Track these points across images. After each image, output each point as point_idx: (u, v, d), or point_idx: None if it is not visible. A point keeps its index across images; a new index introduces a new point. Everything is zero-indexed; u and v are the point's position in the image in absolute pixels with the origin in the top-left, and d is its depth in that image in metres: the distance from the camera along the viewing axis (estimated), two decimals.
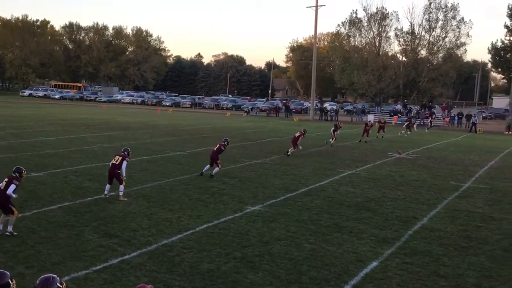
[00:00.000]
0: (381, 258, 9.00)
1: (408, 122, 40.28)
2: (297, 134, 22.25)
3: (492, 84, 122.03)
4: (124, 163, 12.47)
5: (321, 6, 55.94)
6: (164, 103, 75.48)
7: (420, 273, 8.37)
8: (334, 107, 61.61)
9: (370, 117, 53.71)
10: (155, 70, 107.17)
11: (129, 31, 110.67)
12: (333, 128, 27.23)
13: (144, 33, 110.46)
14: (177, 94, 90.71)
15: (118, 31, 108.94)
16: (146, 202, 12.36)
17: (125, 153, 12.94)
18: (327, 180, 16.39)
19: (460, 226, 11.39)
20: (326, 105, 67.63)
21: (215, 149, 16.15)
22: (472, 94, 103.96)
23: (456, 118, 52.65)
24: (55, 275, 4.26)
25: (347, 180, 16.74)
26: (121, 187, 12.51)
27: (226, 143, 16.53)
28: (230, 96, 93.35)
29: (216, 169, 15.90)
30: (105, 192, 12.65)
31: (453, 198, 14.45)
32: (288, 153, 21.81)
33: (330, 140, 26.92)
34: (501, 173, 19.74)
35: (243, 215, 11.55)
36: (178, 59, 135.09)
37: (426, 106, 56.25)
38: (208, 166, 16.13)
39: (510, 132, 44.98)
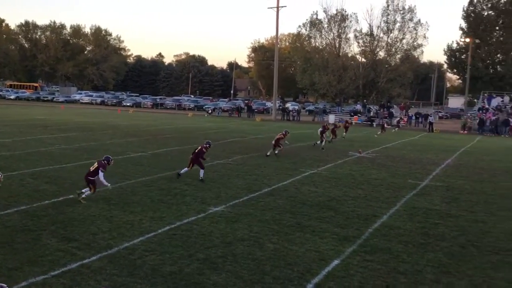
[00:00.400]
0: (343, 256, 9.12)
1: (383, 123, 41.09)
2: (278, 136, 22.43)
3: (448, 85, 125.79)
4: (101, 174, 12.18)
5: (282, 7, 56.42)
6: (124, 104, 74.42)
7: (381, 270, 8.53)
8: (296, 107, 62.20)
9: (331, 117, 54.50)
10: (114, 69, 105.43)
11: (87, 30, 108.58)
12: (320, 129, 26.68)
13: (103, 32, 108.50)
14: (138, 94, 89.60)
15: (76, 30, 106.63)
16: (106, 205, 12.13)
17: (105, 161, 12.63)
18: (289, 180, 16.50)
19: (418, 223, 11.68)
20: (288, 105, 68.20)
21: (196, 151, 15.91)
22: (429, 94, 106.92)
23: (413, 117, 54.04)
24: (4, 285, 4.12)
25: (309, 179, 16.90)
26: (88, 192, 12.31)
27: (208, 145, 16.14)
28: (192, 96, 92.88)
29: (186, 169, 15.67)
30: (77, 191, 12.42)
31: (412, 196, 14.80)
32: (268, 154, 22.05)
33: (318, 142, 26.26)
34: (457, 171, 20.35)
35: (206, 216, 11.49)
36: (139, 59, 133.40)
37: (385, 106, 57.48)
38: (186, 168, 15.76)
39: (465, 131, 46.47)
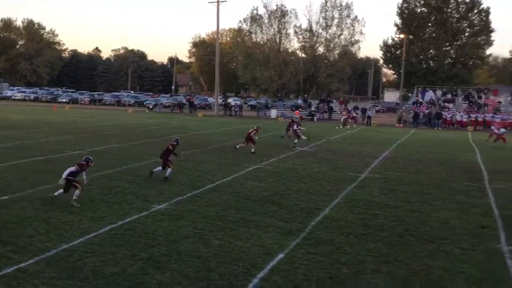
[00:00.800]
0: (287, 250, 9.22)
1: (346, 117, 41.72)
2: (251, 130, 22.45)
3: (384, 79, 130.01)
4: (69, 170, 11.85)
5: (222, 1, 56.17)
6: (60, 100, 71.81)
7: (324, 262, 8.69)
8: (238, 102, 62.26)
9: (273, 112, 55.02)
10: (49, 64, 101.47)
11: (19, 23, 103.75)
12: (295, 127, 25.81)
13: (36, 26, 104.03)
14: (74, 90, 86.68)
15: (7, 24, 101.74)
16: (43, 206, 11.64)
17: (84, 162, 12.24)
18: (233, 176, 16.50)
19: (359, 215, 11.99)
20: (230, 100, 68.19)
21: (164, 150, 15.44)
22: (366, 89, 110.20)
23: (352, 111, 55.42)
24: None
25: (252, 174, 16.96)
26: (76, 192, 11.79)
27: (175, 143, 15.76)
28: (132, 92, 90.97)
29: (169, 170, 15.19)
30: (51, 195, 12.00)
31: (352, 188, 15.18)
32: (237, 147, 22.22)
33: (298, 140, 25.34)
34: (394, 163, 21.07)
35: (149, 214, 11.28)
36: (75, 54, 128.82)
37: (325, 100, 58.67)
38: (160, 168, 15.28)
39: (401, 125, 48.23)
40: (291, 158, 21.26)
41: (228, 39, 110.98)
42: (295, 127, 25.89)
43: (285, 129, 28.11)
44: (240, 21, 71.96)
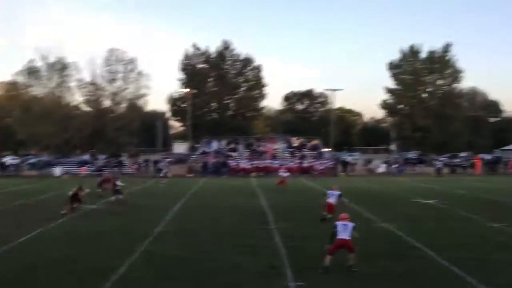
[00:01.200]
0: None
1: (164, 173, 41.22)
2: (74, 192, 21.62)
3: (173, 131, 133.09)
4: None
5: None
6: None
7: None
8: (15, 161, 56.89)
9: (58, 170, 51.53)
10: None
11: None
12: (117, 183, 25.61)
13: None
14: None
15: None
16: None
17: None
18: (16, 241, 14.75)
19: (157, 271, 11.80)
20: (6, 159, 61.69)
21: None
22: (156, 141, 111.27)
23: (144, 164, 55.27)
24: None
25: (39, 238, 15.50)
26: None
27: None
28: None
29: None
30: None
31: (148, 243, 14.91)
32: (64, 212, 20.57)
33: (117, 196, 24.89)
34: (188, 214, 21.48)
35: None
36: None
37: (114, 155, 57.37)
38: None
39: (192, 175, 49.68)
40: (80, 218, 20.04)
41: (1, 92, 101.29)
42: (117, 183, 25.90)
43: (97, 185, 28.61)
44: (15, 73, 66.46)
